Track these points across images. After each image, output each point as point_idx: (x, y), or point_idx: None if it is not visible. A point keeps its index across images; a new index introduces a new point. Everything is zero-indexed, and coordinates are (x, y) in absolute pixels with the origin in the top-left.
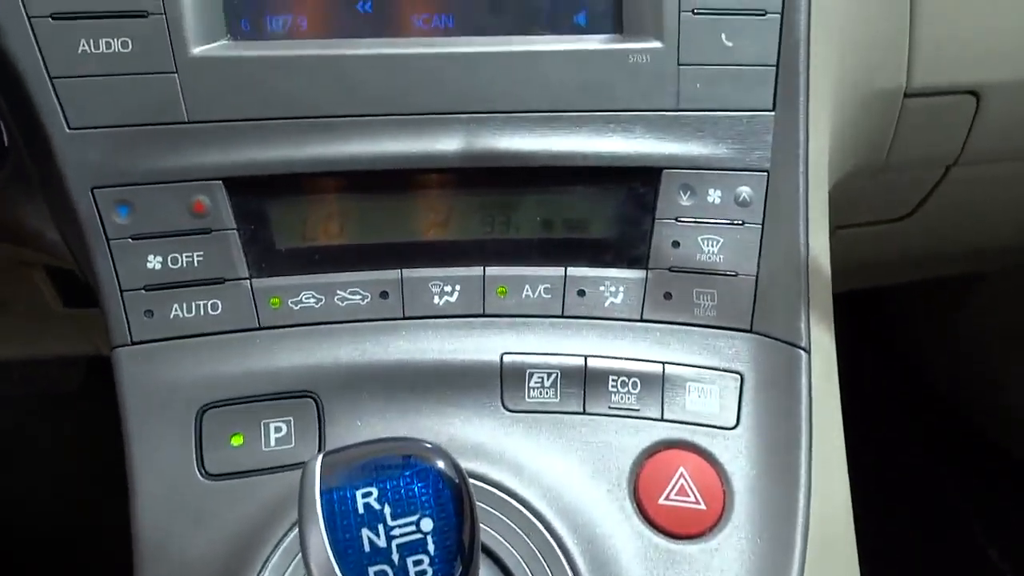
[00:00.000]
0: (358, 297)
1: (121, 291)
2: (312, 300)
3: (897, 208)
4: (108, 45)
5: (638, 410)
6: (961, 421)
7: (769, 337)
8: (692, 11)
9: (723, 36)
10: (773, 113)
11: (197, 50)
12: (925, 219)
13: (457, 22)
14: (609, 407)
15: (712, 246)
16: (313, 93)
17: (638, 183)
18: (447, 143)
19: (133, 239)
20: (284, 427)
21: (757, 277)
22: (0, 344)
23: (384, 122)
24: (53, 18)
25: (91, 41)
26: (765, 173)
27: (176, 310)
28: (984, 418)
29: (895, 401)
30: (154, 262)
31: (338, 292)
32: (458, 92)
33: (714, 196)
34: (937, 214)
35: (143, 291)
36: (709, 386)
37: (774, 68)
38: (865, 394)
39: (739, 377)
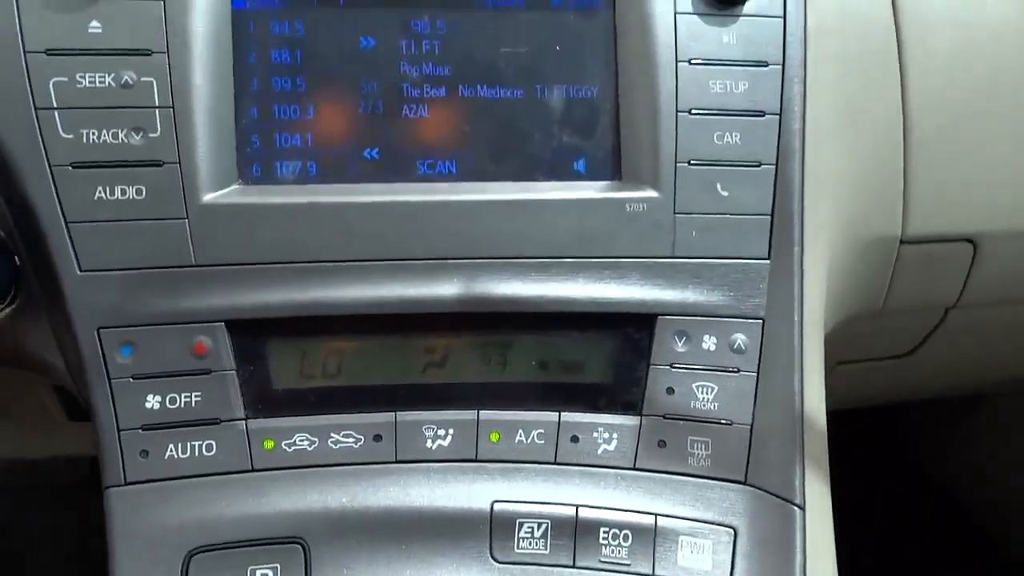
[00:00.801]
0: (351, 440)
1: (119, 430)
2: (306, 443)
3: (898, 346)
4: (123, 192)
5: (629, 564)
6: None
7: (764, 491)
8: (688, 162)
9: (718, 186)
10: (768, 261)
11: (207, 197)
12: (928, 355)
13: (460, 168)
14: (600, 560)
15: (707, 393)
16: (319, 239)
17: (633, 329)
18: (447, 288)
19: (134, 379)
20: (270, 574)
21: (752, 427)
22: (1, 444)
23: (386, 267)
24: (73, 167)
25: (107, 188)
26: (760, 321)
27: (171, 450)
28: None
29: (892, 491)
30: (153, 401)
31: (332, 435)
32: (459, 239)
33: (709, 343)
34: (940, 351)
35: (140, 431)
36: (702, 541)
37: (769, 217)
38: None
39: (733, 532)
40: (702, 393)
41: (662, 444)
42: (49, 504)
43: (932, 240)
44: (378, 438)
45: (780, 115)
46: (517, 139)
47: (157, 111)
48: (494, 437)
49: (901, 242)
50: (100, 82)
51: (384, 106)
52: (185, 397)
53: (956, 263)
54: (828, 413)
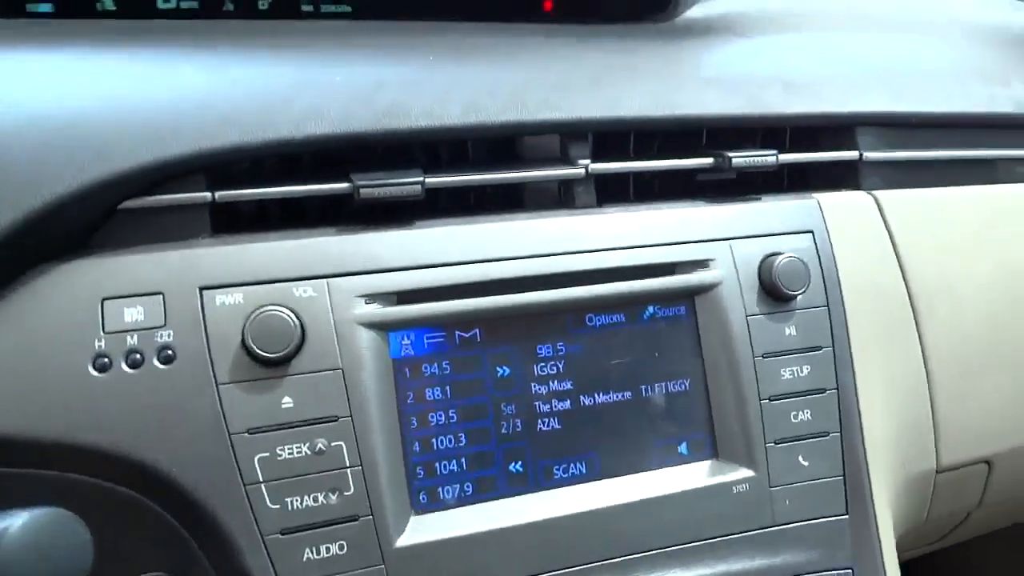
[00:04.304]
0: None
1: None
2: None
3: (926, 540)
4: (327, 550)
5: None
6: None
7: None
8: (775, 442)
9: (800, 458)
10: (847, 516)
11: (399, 542)
12: (952, 539)
13: (589, 468)
14: None
15: None
16: (494, 561)
17: None
18: None
19: None
20: None
21: None
22: None
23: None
24: (282, 533)
25: (314, 548)
26: (850, 570)
27: None
28: None
29: None
30: None
31: None
32: (604, 542)
33: None
34: (961, 536)
35: None
36: None
37: (842, 478)
38: None
39: None
40: None
41: None
42: None
43: (960, 467)
44: None
45: (838, 390)
46: (631, 434)
47: (349, 471)
48: None
49: (936, 472)
50: (297, 452)
51: (523, 424)
52: None
53: (977, 479)
54: None
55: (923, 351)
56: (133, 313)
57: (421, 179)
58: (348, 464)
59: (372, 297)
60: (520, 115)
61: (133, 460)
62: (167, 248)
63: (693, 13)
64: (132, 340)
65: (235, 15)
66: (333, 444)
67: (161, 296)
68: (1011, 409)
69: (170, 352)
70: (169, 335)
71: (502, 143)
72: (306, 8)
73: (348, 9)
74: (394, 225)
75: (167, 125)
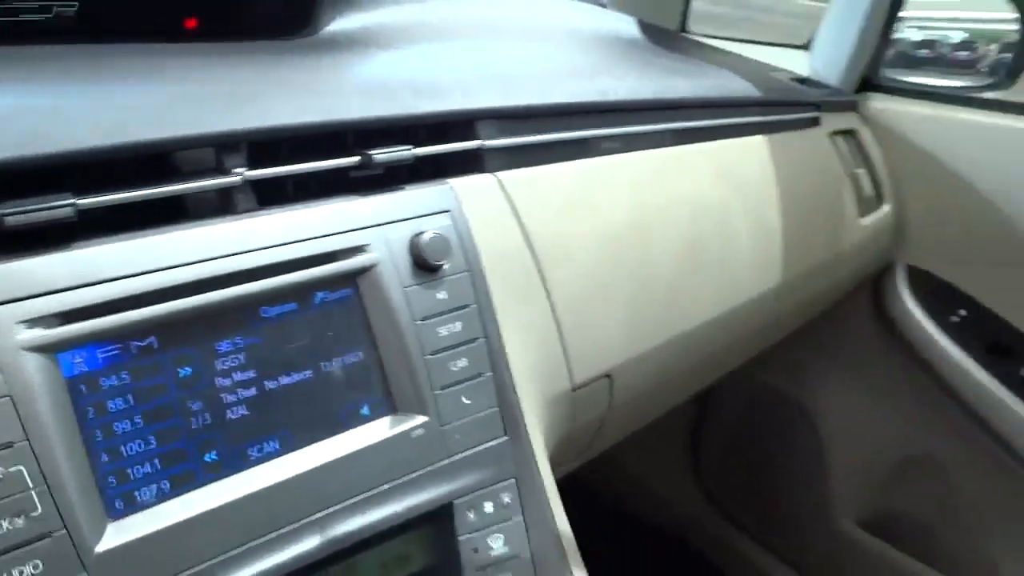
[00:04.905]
0: None
1: None
2: None
3: (579, 448)
4: (21, 573)
5: None
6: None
7: None
8: (441, 388)
9: (463, 398)
10: (508, 438)
11: (98, 549)
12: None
13: (283, 445)
14: None
15: (498, 542)
16: (199, 544)
17: (440, 516)
18: (310, 541)
19: None
20: None
21: (532, 557)
22: None
23: (253, 547)
24: None
25: (6, 573)
26: (514, 479)
27: None
28: None
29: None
30: None
31: None
32: (305, 503)
33: (489, 507)
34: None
35: None
36: None
37: (498, 409)
38: None
39: None
40: (495, 543)
41: None
42: None
43: (589, 383)
44: None
45: (486, 339)
46: (318, 407)
47: (34, 492)
48: None
49: (572, 390)
50: None
51: (212, 417)
52: None
53: (603, 390)
54: None
55: (549, 298)
56: None
57: (72, 201)
58: (32, 486)
59: (34, 322)
60: (171, 132)
61: None
62: None
63: (334, 27)
64: None
65: None
66: (12, 470)
67: None
68: (622, 334)
69: None
70: None
71: (159, 159)
72: None
73: None
74: (53, 249)
75: None
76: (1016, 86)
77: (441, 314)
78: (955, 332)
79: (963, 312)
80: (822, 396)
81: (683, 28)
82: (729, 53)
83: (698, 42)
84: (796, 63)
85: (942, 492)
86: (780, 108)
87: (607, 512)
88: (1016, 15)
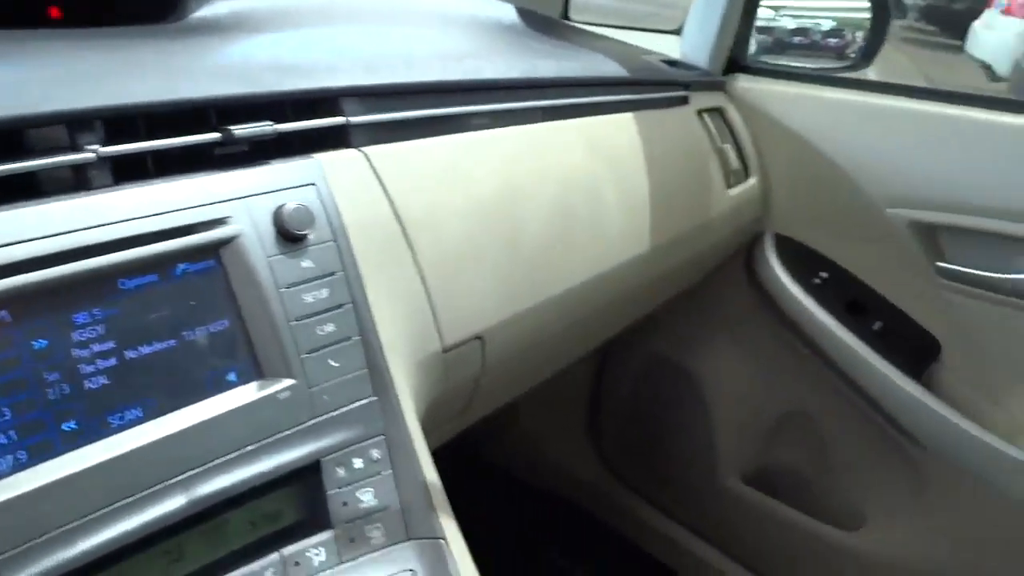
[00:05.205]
0: None
1: None
2: None
3: (457, 409)
4: None
5: None
6: None
7: (421, 539)
8: (308, 352)
9: (330, 361)
10: (376, 398)
11: None
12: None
13: (146, 412)
14: None
15: (368, 495)
16: (54, 507)
17: (311, 474)
18: (174, 501)
19: None
20: None
21: (401, 508)
22: None
23: (114, 509)
24: None
25: None
26: (383, 436)
27: None
28: None
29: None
30: None
31: None
32: (169, 466)
33: (359, 463)
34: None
35: None
36: None
37: (367, 370)
38: None
39: (414, 572)
40: (365, 496)
41: (352, 540)
42: None
43: (460, 344)
44: None
45: (353, 304)
46: (182, 376)
47: None
48: None
49: (443, 351)
50: None
51: (71, 388)
52: None
53: (476, 351)
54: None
55: (417, 263)
56: None
57: None
58: None
59: None
60: (22, 110)
61: None
62: None
63: (202, 13)
64: None
65: None
66: None
67: None
68: (492, 298)
69: None
70: None
71: (10, 137)
72: None
73: None
74: None
75: None
76: (872, 67)
77: (306, 281)
78: (817, 293)
79: (824, 274)
80: (706, 361)
81: (565, 16)
82: (606, 38)
83: (576, 28)
84: (670, 48)
85: (816, 445)
86: (650, 87)
87: (501, 478)
88: (868, 3)
